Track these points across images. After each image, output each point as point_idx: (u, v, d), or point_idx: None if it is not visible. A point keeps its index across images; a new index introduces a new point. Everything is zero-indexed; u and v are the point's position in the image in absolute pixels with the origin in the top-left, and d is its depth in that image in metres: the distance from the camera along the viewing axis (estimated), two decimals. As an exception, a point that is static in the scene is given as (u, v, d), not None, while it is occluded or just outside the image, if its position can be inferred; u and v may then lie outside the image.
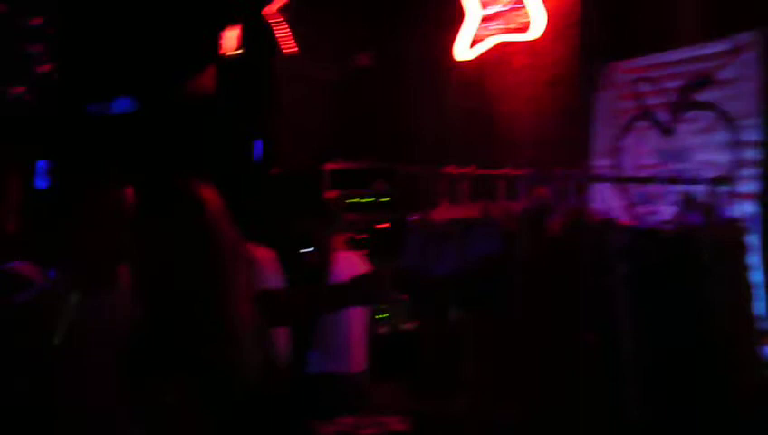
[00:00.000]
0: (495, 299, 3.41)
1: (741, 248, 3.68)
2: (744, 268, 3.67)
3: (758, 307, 5.08)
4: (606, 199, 5.66)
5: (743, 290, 3.66)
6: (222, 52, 8.67)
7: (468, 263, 3.31)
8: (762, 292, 5.18)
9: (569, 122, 6.49)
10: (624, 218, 4.10)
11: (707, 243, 3.51)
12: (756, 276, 5.11)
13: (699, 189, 3.90)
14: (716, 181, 3.91)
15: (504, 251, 3.35)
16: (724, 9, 5.75)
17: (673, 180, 4.06)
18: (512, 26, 6.60)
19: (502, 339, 3.45)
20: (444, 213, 3.46)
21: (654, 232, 3.52)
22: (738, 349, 3.68)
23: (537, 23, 6.43)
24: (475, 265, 3.33)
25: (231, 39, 8.66)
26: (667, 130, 5.95)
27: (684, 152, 5.80)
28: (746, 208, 5.27)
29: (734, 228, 3.69)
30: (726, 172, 5.28)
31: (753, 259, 5.10)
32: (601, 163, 6.27)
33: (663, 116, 5.99)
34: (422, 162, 7.14)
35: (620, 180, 5.83)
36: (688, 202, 3.77)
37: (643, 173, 5.89)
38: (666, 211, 3.83)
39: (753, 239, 5.12)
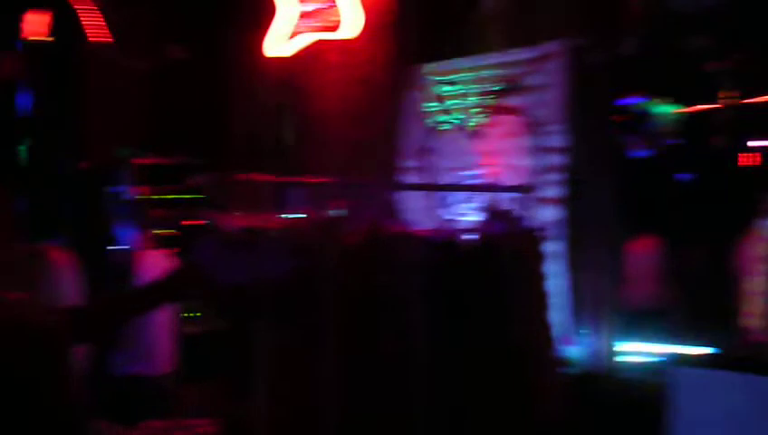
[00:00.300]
0: (293, 308, 3.38)
1: (537, 258, 3.76)
2: (539, 277, 3.75)
3: (563, 312, 5.24)
4: (414, 202, 5.70)
5: (537, 298, 3.75)
6: (25, 36, 8.25)
7: (265, 272, 3.25)
8: (565, 298, 5.31)
9: (379, 123, 6.52)
10: (429, 223, 4.12)
11: (505, 253, 3.56)
12: (561, 282, 5.26)
13: (503, 196, 3.97)
14: (520, 189, 3.98)
15: (303, 261, 3.31)
16: (533, 18, 5.88)
17: (475, 188, 4.12)
18: (328, 24, 6.55)
19: (300, 347, 3.42)
20: (241, 221, 3.39)
21: (452, 243, 3.56)
22: (534, 353, 3.77)
23: (352, 22, 6.41)
24: (273, 274, 3.28)
25: (36, 23, 8.26)
26: (474, 134, 6.04)
27: (491, 155, 5.90)
28: (550, 213, 5.41)
29: (531, 238, 3.77)
30: (531, 177, 5.40)
31: (559, 266, 5.25)
32: (410, 164, 6.32)
33: (471, 119, 6.08)
34: (235, 160, 7.03)
35: (422, 188, 5.89)
36: (491, 211, 3.83)
37: (451, 175, 5.96)
38: (472, 216, 3.88)
39: (557, 246, 5.27)
